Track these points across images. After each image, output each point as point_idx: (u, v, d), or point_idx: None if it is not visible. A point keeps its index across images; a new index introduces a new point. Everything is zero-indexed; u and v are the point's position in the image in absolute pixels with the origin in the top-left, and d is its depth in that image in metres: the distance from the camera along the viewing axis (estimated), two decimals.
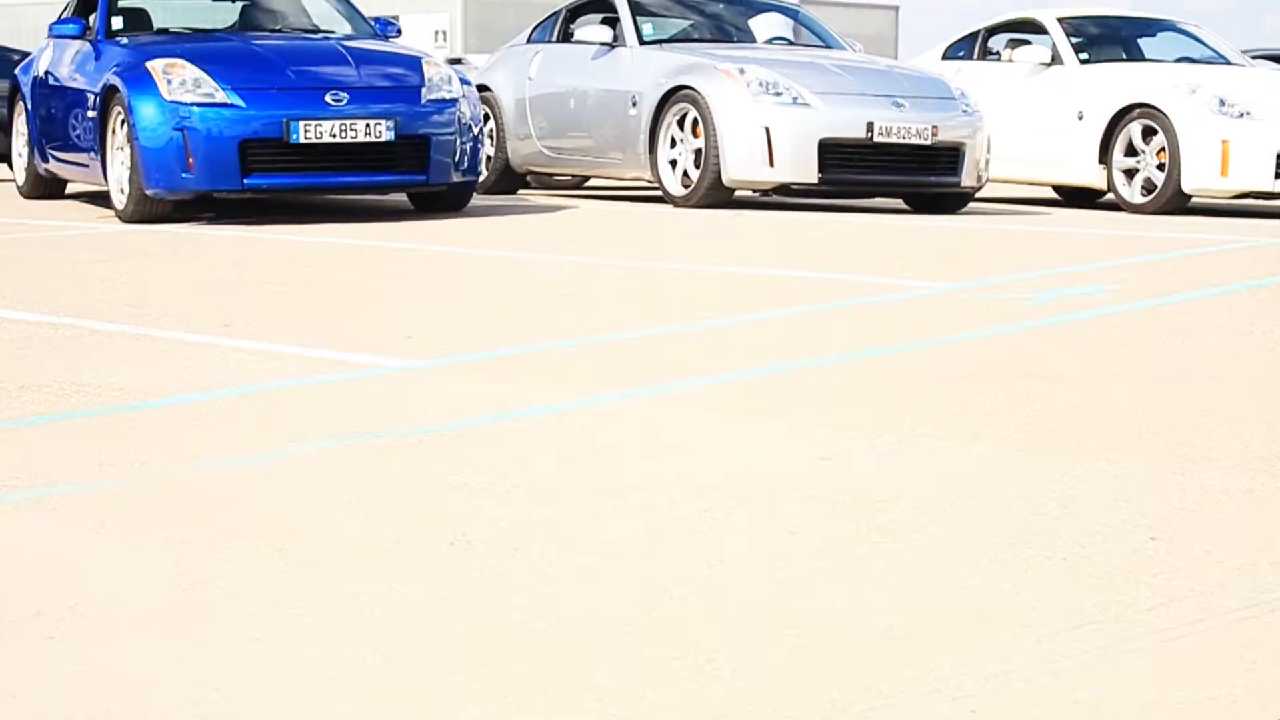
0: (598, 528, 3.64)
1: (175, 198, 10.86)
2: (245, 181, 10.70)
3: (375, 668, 2.77)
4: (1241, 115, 12.95)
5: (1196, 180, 12.95)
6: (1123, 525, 3.64)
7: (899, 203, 13.36)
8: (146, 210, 10.94)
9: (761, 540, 3.53)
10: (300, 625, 2.99)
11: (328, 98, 10.86)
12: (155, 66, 10.85)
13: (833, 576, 3.28)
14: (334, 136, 10.78)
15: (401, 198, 12.32)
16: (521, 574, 3.29)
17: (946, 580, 3.25)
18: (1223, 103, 13.00)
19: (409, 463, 4.26)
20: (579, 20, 14.39)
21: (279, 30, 12.36)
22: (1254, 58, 17.69)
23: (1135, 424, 4.76)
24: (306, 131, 10.72)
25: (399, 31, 12.89)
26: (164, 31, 12.16)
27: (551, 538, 3.54)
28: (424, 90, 11.26)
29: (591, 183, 16.62)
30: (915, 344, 6.14)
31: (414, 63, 11.55)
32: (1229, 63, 14.70)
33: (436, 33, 49.12)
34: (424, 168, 11.18)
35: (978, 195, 13.32)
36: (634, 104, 13.02)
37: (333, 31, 12.43)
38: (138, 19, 12.38)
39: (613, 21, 13.80)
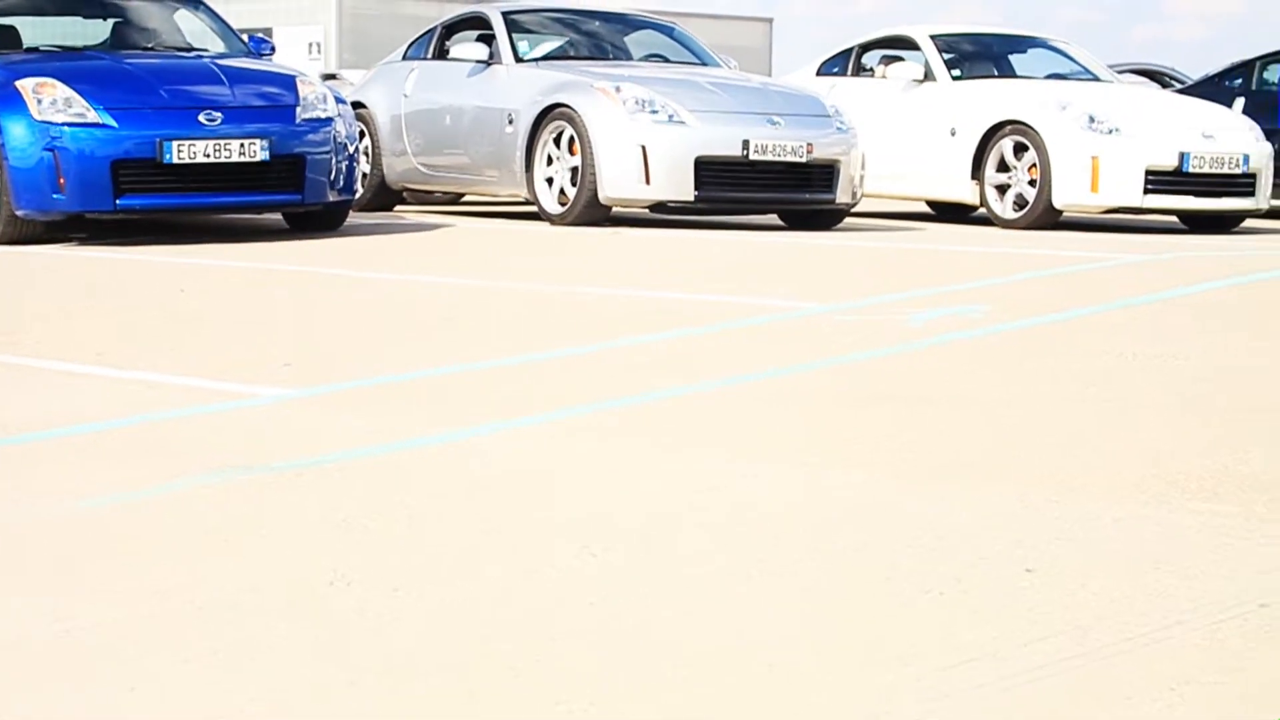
0: (478, 566, 3.62)
1: (46, 219, 10.73)
2: (118, 202, 10.60)
3: (254, 716, 2.75)
4: (1111, 132, 13.14)
5: (1067, 196, 13.12)
6: (999, 556, 3.67)
7: (775, 219, 13.43)
8: (16, 232, 10.80)
9: (642, 577, 3.53)
10: (178, 673, 2.96)
11: (201, 117, 10.78)
12: (25, 86, 10.71)
13: (715, 614, 3.28)
14: (208, 156, 10.70)
15: (277, 217, 12.23)
16: (401, 616, 3.27)
17: (827, 616, 3.26)
18: (1092, 119, 13.19)
19: (288, 499, 4.23)
20: (455, 37, 14.37)
21: (151, 49, 12.22)
22: (1121, 71, 17.98)
23: (1011, 449, 4.81)
24: (180, 151, 10.63)
25: (273, 49, 12.81)
26: (34, 50, 11.99)
27: (432, 577, 3.53)
28: (299, 109, 11.20)
29: (468, 198, 16.58)
30: (794, 368, 6.17)
31: (288, 81, 11.49)
32: (1098, 79, 14.91)
33: (311, 45, 48.75)
34: (299, 187, 11.13)
35: (853, 211, 13.43)
36: (510, 122, 13.02)
37: (206, 50, 12.32)
38: (7, 37, 12.20)
39: (489, 39, 13.79)
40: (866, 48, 15.48)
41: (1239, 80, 16.46)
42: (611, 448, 4.83)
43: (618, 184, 12.24)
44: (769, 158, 12.34)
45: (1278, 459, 4.69)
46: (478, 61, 13.58)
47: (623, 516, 4.03)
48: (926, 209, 15.99)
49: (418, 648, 3.08)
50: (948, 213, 15.32)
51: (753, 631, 3.17)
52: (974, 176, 13.74)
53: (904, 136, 14.30)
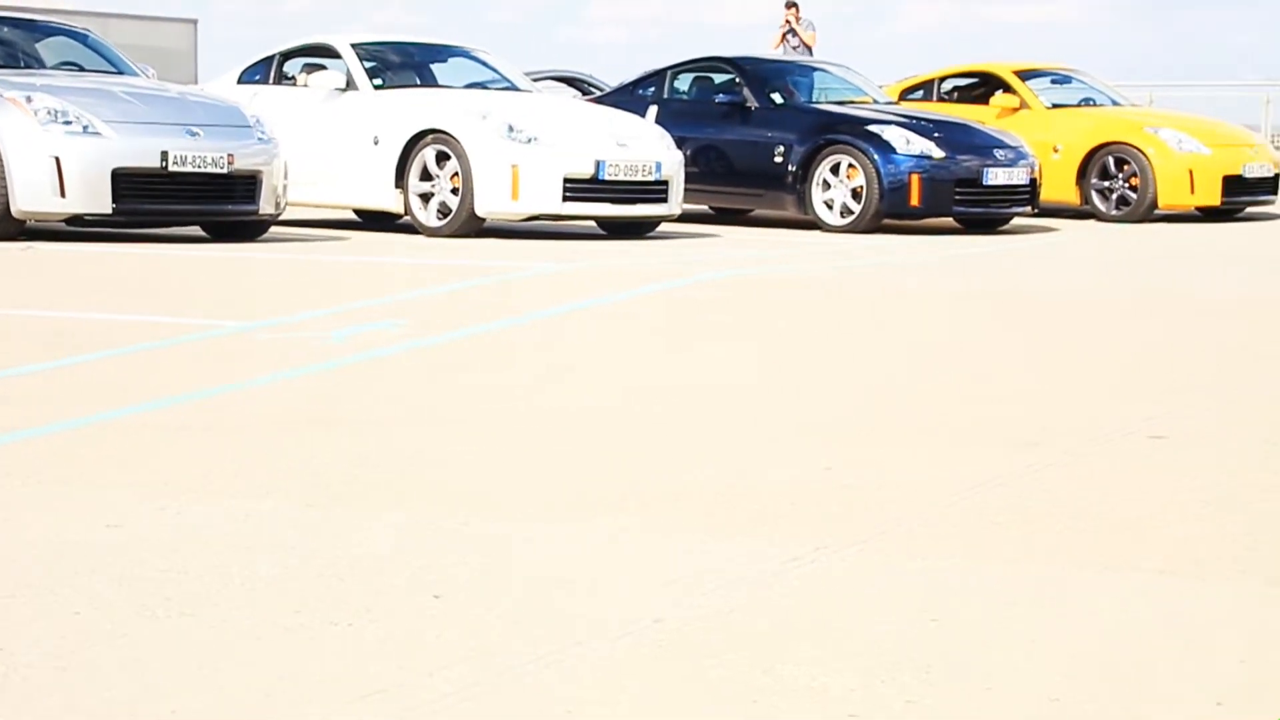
0: None
1: None
2: None
3: None
4: (530, 141, 13.46)
5: (489, 204, 13.38)
6: (410, 583, 3.72)
7: (199, 231, 13.25)
8: None
9: (45, 625, 3.43)
10: None
11: None
12: None
13: (119, 661, 3.22)
14: None
15: None
16: None
17: (235, 655, 3.24)
18: (512, 129, 13.47)
19: None
20: None
21: None
22: (541, 79, 18.38)
23: (420, 470, 4.87)
24: None
25: None
26: None
27: None
28: None
29: None
30: (210, 391, 6.10)
31: None
32: (517, 88, 15.23)
33: None
34: None
35: (279, 221, 13.36)
36: None
37: None
38: None
39: None
40: (288, 56, 15.40)
41: (652, 89, 17.04)
42: (21, 483, 4.67)
43: (31, 198, 11.87)
44: (189, 169, 12.18)
45: (684, 469, 4.89)
46: None
47: (30, 558, 3.91)
48: (354, 217, 16.02)
49: None
50: (374, 221, 15.38)
51: (157, 677, 3.12)
52: (398, 185, 13.87)
53: (328, 146, 14.31)
